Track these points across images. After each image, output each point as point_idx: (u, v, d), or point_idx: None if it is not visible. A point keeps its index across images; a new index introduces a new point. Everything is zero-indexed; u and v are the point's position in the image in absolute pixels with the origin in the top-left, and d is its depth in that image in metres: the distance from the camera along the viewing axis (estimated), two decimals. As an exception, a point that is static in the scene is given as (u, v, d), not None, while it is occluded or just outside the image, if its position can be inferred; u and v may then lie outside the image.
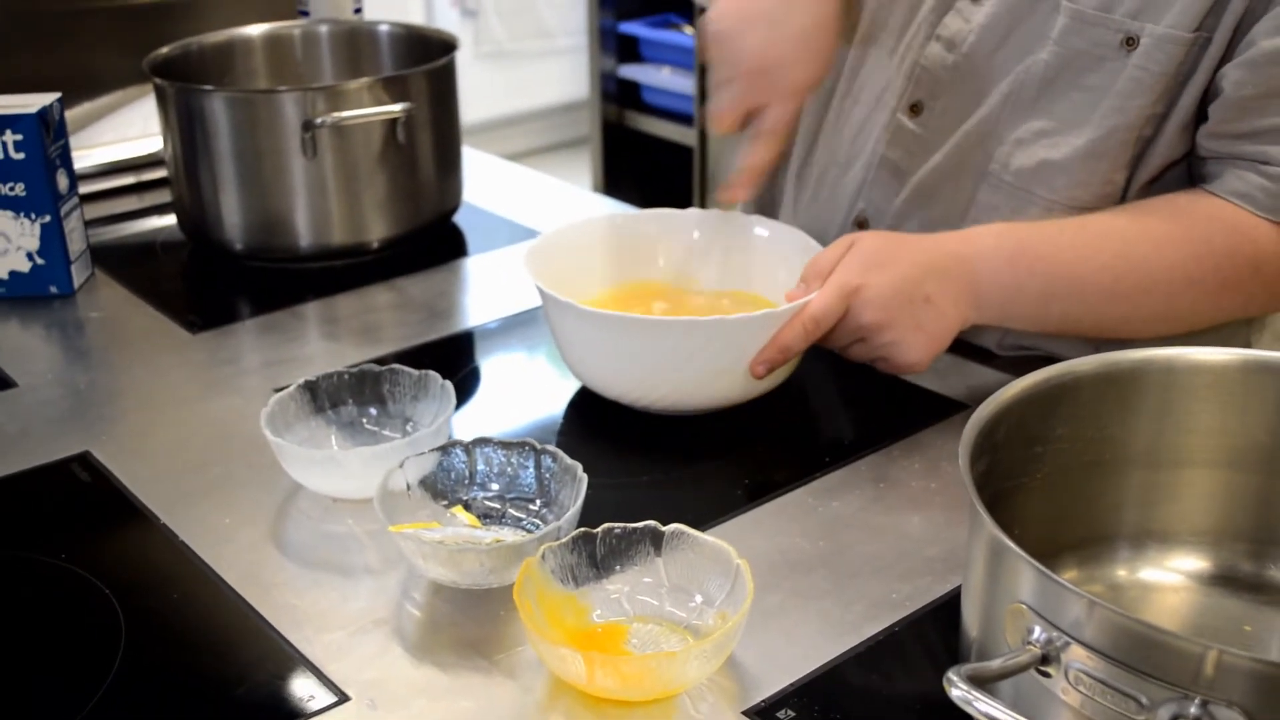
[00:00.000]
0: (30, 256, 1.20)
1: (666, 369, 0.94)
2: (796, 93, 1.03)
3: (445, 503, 0.85)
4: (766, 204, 1.25)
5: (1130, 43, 0.94)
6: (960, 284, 0.95)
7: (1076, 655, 0.58)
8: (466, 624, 0.77)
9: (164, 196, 1.42)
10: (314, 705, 0.71)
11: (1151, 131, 0.98)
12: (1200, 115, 0.97)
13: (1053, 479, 0.76)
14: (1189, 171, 1.01)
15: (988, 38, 1.01)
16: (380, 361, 0.97)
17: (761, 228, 1.08)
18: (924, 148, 1.07)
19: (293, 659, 0.75)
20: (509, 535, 0.83)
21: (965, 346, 1.09)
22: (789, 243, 1.06)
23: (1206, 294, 0.97)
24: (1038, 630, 0.60)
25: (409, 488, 0.84)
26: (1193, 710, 0.54)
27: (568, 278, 1.02)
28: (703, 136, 3.47)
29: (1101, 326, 0.99)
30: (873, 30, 1.09)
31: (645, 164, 3.80)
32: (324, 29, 1.47)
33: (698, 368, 0.94)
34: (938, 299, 0.94)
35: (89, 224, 1.31)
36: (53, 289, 1.22)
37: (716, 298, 1.09)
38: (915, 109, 1.07)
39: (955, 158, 1.05)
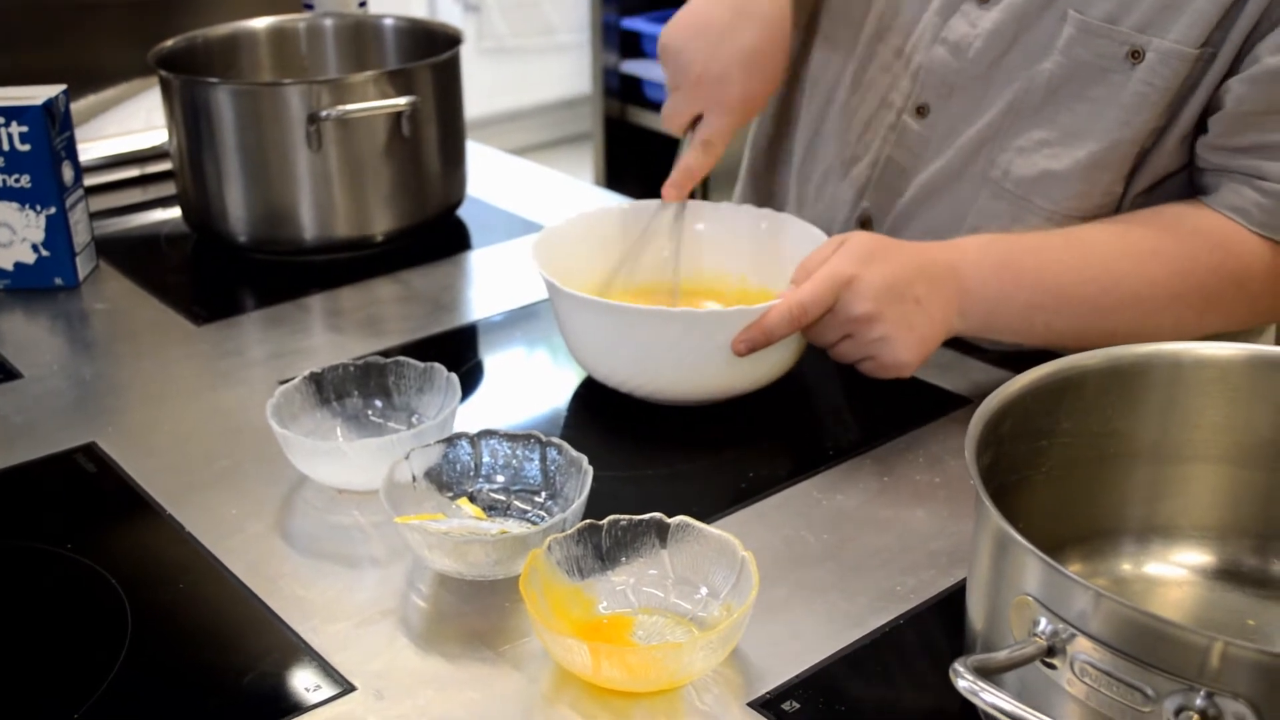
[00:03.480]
0: (35, 248, 1.21)
1: (649, 358, 0.95)
2: (734, 107, 1.05)
3: (451, 495, 0.85)
4: (766, 201, 1.25)
5: (1136, 56, 0.94)
6: (948, 291, 0.94)
7: (1082, 647, 0.58)
8: (472, 615, 0.77)
9: (169, 189, 1.43)
10: (320, 695, 0.71)
11: (1151, 144, 0.98)
12: (1200, 128, 0.97)
13: (1057, 473, 0.76)
14: (1188, 182, 1.01)
15: (994, 44, 1.01)
16: (385, 354, 0.97)
17: (766, 221, 1.09)
18: (929, 150, 1.07)
19: (299, 649, 0.75)
20: (514, 527, 0.83)
21: (964, 342, 1.09)
22: (794, 235, 1.06)
23: (1190, 309, 0.97)
24: (1043, 622, 0.60)
25: (414, 479, 0.84)
26: (1198, 702, 0.54)
27: (575, 267, 1.03)
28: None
29: (1084, 339, 0.97)
30: (880, 29, 1.10)
31: (647, 159, 3.79)
32: (329, 22, 1.47)
33: (678, 359, 0.94)
34: (927, 302, 0.93)
35: (94, 216, 1.31)
36: (58, 281, 1.22)
37: (719, 289, 1.09)
38: (921, 111, 1.07)
39: (958, 162, 1.05)
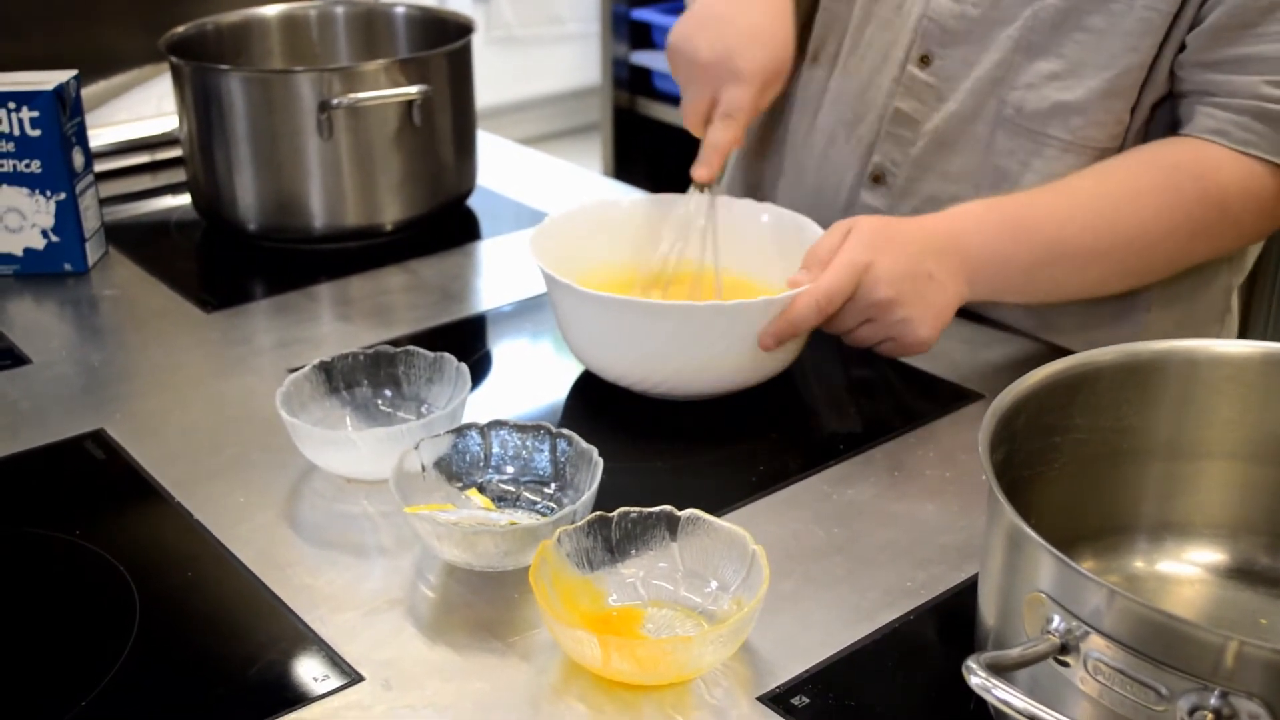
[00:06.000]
0: (45, 234, 1.20)
1: (661, 353, 0.94)
2: (749, 77, 1.03)
3: (460, 485, 0.85)
4: (754, 187, 1.26)
5: None
6: (953, 260, 0.96)
7: (1095, 645, 0.58)
8: (481, 606, 0.77)
9: (178, 176, 1.42)
10: (327, 685, 0.71)
11: (1151, 63, 1.00)
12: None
13: (1070, 469, 0.76)
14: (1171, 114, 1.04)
15: None
16: (394, 343, 0.97)
17: (766, 213, 1.08)
18: (937, 96, 1.09)
19: (306, 639, 0.75)
20: (524, 518, 0.83)
21: (978, 333, 1.09)
22: (793, 228, 1.05)
23: (1180, 243, 1.00)
24: (1056, 619, 0.60)
25: (424, 469, 0.83)
26: (1213, 701, 0.54)
27: (573, 260, 1.02)
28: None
29: (1085, 288, 1.02)
30: None
31: (656, 150, 3.78)
32: (340, 10, 1.46)
33: (692, 353, 0.94)
34: (938, 274, 0.95)
35: (103, 202, 1.31)
36: (67, 266, 1.22)
37: (718, 282, 1.08)
38: (925, 60, 1.09)
39: (969, 104, 1.07)
